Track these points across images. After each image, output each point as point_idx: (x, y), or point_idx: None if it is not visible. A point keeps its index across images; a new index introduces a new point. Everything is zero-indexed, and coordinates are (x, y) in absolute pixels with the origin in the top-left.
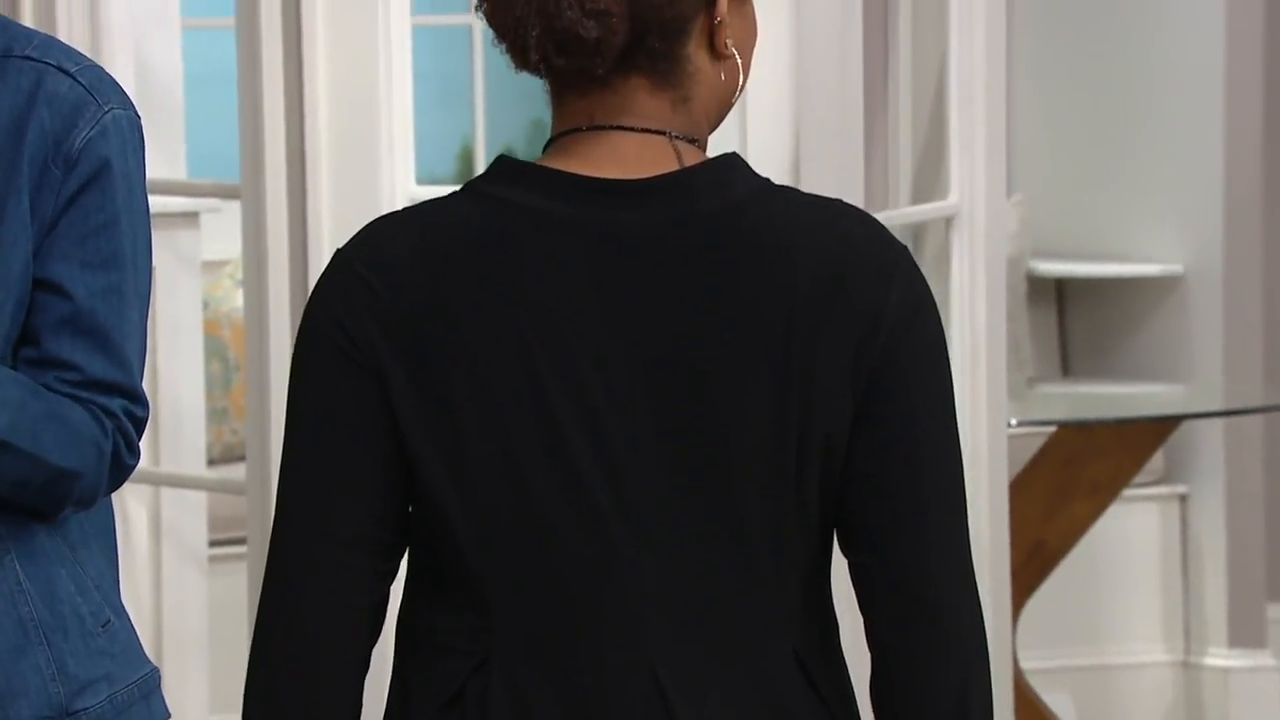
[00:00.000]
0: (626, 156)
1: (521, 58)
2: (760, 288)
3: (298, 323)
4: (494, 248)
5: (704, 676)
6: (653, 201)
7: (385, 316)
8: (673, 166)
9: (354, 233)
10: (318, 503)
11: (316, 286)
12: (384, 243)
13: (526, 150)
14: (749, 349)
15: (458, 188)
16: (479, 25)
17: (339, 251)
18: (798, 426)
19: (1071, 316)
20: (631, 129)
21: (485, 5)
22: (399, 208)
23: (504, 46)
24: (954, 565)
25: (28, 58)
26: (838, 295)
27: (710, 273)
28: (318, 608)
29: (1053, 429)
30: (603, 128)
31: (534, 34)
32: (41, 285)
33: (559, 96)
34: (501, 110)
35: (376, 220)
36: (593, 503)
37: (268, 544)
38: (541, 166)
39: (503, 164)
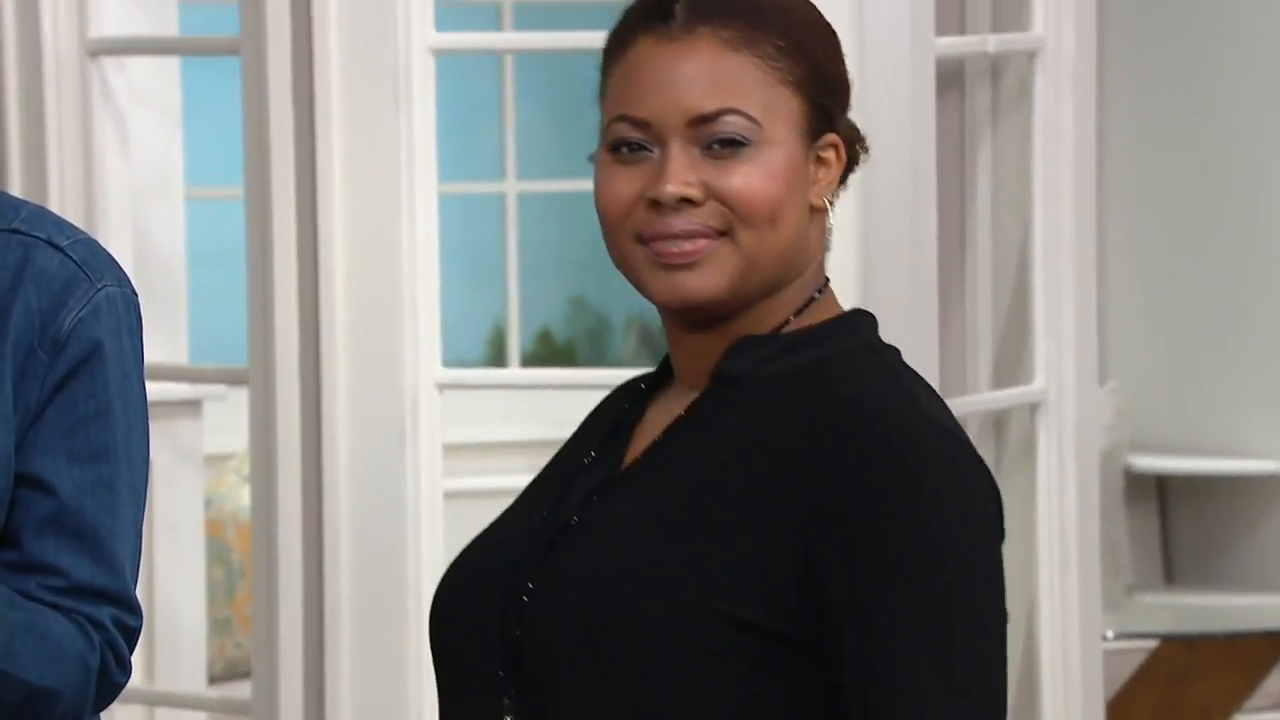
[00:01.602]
0: None
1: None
2: None
3: (310, 524)
4: None
5: None
6: None
7: None
8: None
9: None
10: None
11: (971, 468)
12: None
13: (565, 331)
14: None
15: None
16: (512, 193)
17: (945, 428)
18: None
19: (1175, 517)
20: None
21: None
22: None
23: None
24: None
25: (15, 231)
26: None
27: None
28: None
29: (1155, 643)
30: None
31: None
32: (24, 481)
33: None
34: (537, 287)
35: (920, 392)
36: None
37: None
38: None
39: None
